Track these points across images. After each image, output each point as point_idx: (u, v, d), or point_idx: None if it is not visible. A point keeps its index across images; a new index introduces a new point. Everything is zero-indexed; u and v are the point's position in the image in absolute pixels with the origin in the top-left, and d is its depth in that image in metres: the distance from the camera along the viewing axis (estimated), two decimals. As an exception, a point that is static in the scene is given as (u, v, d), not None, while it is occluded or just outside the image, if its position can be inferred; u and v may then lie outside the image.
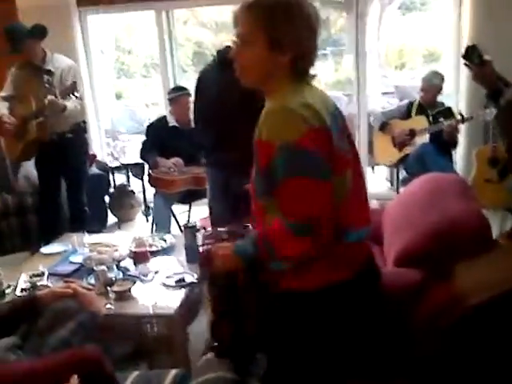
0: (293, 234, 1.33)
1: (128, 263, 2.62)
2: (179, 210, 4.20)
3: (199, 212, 3.95)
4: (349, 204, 1.44)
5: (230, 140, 2.35)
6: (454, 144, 4.08)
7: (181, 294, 2.31)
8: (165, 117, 4.07)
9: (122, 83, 9.26)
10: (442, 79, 4.10)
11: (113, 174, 4.93)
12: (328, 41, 8.57)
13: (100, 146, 5.26)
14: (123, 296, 2.29)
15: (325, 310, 1.46)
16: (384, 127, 4.22)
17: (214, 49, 2.87)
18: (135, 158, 4.77)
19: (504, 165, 3.70)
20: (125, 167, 4.96)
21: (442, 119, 3.99)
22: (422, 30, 8.92)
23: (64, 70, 3.63)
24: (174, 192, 3.85)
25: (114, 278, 2.38)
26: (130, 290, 2.32)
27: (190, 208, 4.18)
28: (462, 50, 2.34)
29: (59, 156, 3.70)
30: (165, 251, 2.77)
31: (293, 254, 1.38)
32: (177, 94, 3.97)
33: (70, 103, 3.53)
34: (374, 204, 3.86)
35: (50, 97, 3.37)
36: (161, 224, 3.83)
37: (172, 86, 4.73)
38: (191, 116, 3.24)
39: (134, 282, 2.36)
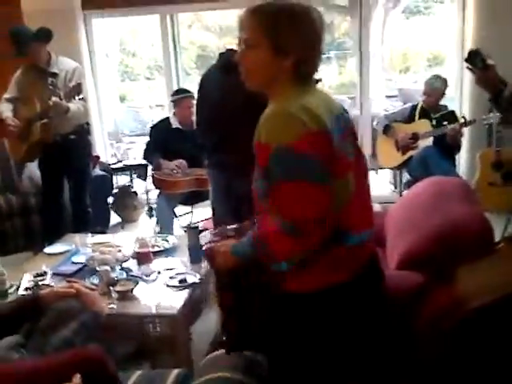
0: (286, 234, 1.34)
1: (131, 263, 2.63)
2: (182, 211, 4.21)
3: (202, 213, 3.96)
4: (351, 207, 1.45)
5: (233, 142, 2.36)
6: (458, 147, 4.08)
7: (183, 294, 2.32)
8: (168, 118, 4.09)
9: (126, 86, 9.30)
10: (445, 83, 4.10)
11: (116, 175, 4.95)
12: (332, 44, 8.60)
13: (104, 148, 5.28)
14: (126, 296, 2.30)
15: (324, 312, 1.46)
16: (387, 130, 4.22)
17: (218, 52, 2.88)
18: (138, 159, 4.79)
19: (508, 168, 3.71)
20: (128, 168, 4.98)
21: (445, 123, 3.98)
22: (425, 33, 8.94)
23: (68, 71, 3.65)
24: (177, 193, 3.86)
25: (116, 278, 2.39)
26: (132, 290, 2.32)
27: (192, 209, 4.19)
28: (466, 54, 2.35)
29: (63, 157, 3.72)
30: (168, 252, 2.78)
31: (286, 254, 1.39)
32: (180, 97, 3.98)
33: (74, 105, 3.55)
34: (376, 207, 3.85)
35: (54, 98, 3.38)
36: (164, 225, 3.84)
37: (176, 88, 4.74)
38: (194, 118, 3.25)
39: (137, 283, 2.37)
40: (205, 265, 2.58)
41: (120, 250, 2.70)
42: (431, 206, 2.25)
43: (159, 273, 2.51)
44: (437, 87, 4.08)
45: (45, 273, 2.55)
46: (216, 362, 1.64)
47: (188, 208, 4.22)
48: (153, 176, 3.91)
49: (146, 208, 4.82)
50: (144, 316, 2.20)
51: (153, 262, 2.63)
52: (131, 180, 5.06)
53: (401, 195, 4.24)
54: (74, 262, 2.70)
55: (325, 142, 1.36)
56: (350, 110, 5.76)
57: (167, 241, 2.88)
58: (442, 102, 4.20)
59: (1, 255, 2.48)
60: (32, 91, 3.60)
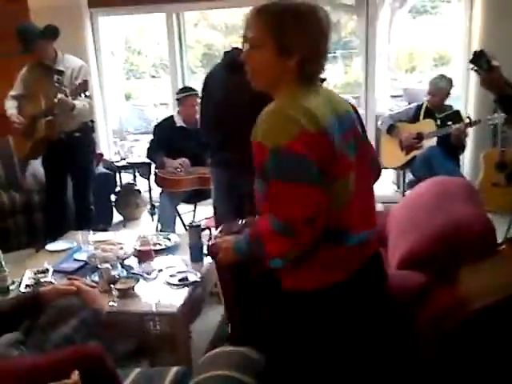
0: (278, 233, 1.35)
1: (132, 261, 2.63)
2: (185, 209, 4.22)
3: (204, 212, 3.96)
4: (351, 207, 1.45)
5: (238, 140, 2.35)
6: (462, 147, 4.06)
7: (184, 292, 2.32)
8: (172, 117, 4.08)
9: (131, 84, 9.31)
10: (450, 83, 4.08)
11: (119, 173, 4.96)
12: (338, 43, 8.58)
13: (107, 146, 5.29)
14: (126, 294, 2.30)
15: (322, 311, 1.46)
16: (391, 130, 4.21)
17: (224, 51, 2.87)
18: (142, 157, 4.80)
19: (512, 169, 3.69)
20: (131, 166, 4.98)
21: (449, 123, 3.97)
22: (432, 33, 8.90)
23: (74, 69, 3.66)
24: (179, 192, 3.86)
25: (117, 276, 2.39)
26: (133, 288, 2.32)
27: (195, 208, 4.19)
28: (472, 54, 2.34)
29: (67, 155, 3.73)
30: (169, 250, 2.77)
31: (278, 253, 1.39)
32: (184, 95, 3.98)
33: (80, 102, 3.56)
34: (379, 206, 3.84)
35: (60, 95, 3.39)
36: (166, 223, 3.84)
37: (181, 86, 4.75)
38: (198, 116, 3.24)
39: (138, 280, 2.37)
40: (206, 263, 2.59)
41: (121, 248, 2.70)
42: (434, 206, 2.24)
43: (160, 271, 2.51)
44: (441, 87, 4.06)
45: (46, 270, 2.55)
46: (215, 360, 1.63)
47: (191, 206, 4.22)
48: (156, 174, 3.92)
49: (149, 206, 4.82)
50: (144, 314, 2.20)
51: (154, 260, 2.63)
52: (134, 178, 5.06)
53: (404, 195, 4.22)
54: (75, 260, 2.70)
55: (322, 143, 1.36)
56: (355, 109, 5.75)
57: (169, 239, 2.88)
58: (448, 102, 4.18)
59: (3, 252, 2.47)
60: (37, 88, 3.62)
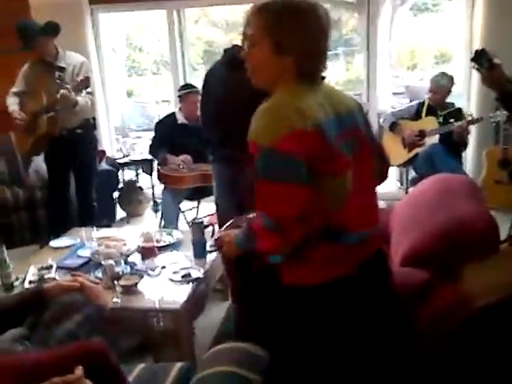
0: (269, 230, 1.36)
1: (135, 258, 2.64)
2: (188, 206, 4.22)
3: (208, 208, 3.97)
4: (350, 205, 1.44)
5: (236, 137, 2.36)
6: (464, 145, 4.05)
7: (187, 288, 2.32)
8: (174, 114, 4.09)
9: (132, 81, 9.30)
10: (451, 80, 4.07)
11: (122, 170, 4.96)
12: (339, 41, 8.56)
13: (110, 143, 5.29)
14: (130, 290, 2.31)
15: (321, 307, 1.47)
16: (394, 128, 4.20)
17: (224, 48, 2.88)
18: (145, 154, 4.80)
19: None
20: (134, 163, 4.99)
21: (452, 120, 3.97)
22: (433, 31, 8.88)
23: (76, 66, 3.66)
24: (182, 188, 3.87)
25: (121, 273, 2.40)
26: (136, 284, 2.33)
27: (198, 204, 4.20)
28: (473, 52, 2.34)
29: (69, 151, 3.73)
30: (172, 246, 2.78)
31: (271, 249, 1.41)
32: (186, 92, 3.98)
33: (82, 98, 3.56)
34: (381, 204, 3.84)
35: (62, 91, 3.39)
36: (169, 220, 3.84)
37: (182, 83, 4.74)
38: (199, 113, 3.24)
39: (141, 277, 2.38)
40: (209, 260, 2.60)
41: (125, 244, 2.71)
42: (436, 204, 2.24)
43: (163, 267, 2.52)
44: (442, 84, 4.05)
45: (50, 266, 2.56)
46: (219, 356, 1.64)
47: (194, 203, 4.23)
48: (158, 171, 3.92)
49: (152, 203, 4.83)
50: (148, 310, 2.21)
51: (157, 256, 2.64)
52: (137, 175, 5.07)
53: (406, 192, 4.22)
54: (79, 256, 2.71)
55: (314, 142, 1.36)
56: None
57: (172, 235, 2.89)
58: (450, 100, 4.17)
59: (7, 248, 2.48)
60: (39, 85, 3.61)
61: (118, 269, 2.40)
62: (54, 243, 2.96)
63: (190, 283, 2.36)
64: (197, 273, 2.43)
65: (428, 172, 3.22)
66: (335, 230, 1.42)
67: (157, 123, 4.23)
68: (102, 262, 2.43)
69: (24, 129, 3.67)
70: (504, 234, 2.67)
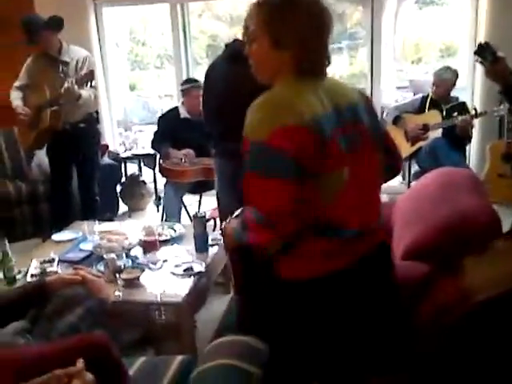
0: (260, 225, 1.37)
1: (137, 251, 2.64)
2: (190, 200, 4.22)
3: (210, 202, 3.97)
4: (345, 201, 1.43)
5: (237, 131, 2.36)
6: (468, 139, 4.04)
7: (189, 282, 2.33)
8: (176, 108, 4.08)
9: (135, 75, 9.30)
10: (455, 74, 4.05)
11: (125, 164, 4.97)
12: (344, 34, 8.52)
13: (112, 137, 5.29)
14: (132, 283, 2.31)
15: (317, 300, 1.47)
16: (397, 121, 4.18)
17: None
18: (147, 148, 4.81)
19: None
20: (137, 157, 4.99)
21: (455, 114, 3.95)
22: (438, 24, 8.83)
23: (79, 60, 3.66)
24: (184, 182, 3.87)
25: (123, 266, 2.40)
26: (138, 277, 2.33)
27: (200, 198, 4.20)
28: (476, 47, 2.32)
29: (71, 145, 3.74)
30: (174, 240, 2.79)
31: (263, 243, 1.41)
32: (188, 86, 3.98)
33: (85, 92, 3.56)
34: (384, 198, 3.83)
35: (67, 84, 3.39)
36: (171, 214, 3.85)
37: (185, 78, 4.73)
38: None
39: (143, 270, 2.38)
40: (210, 254, 2.60)
41: (127, 238, 2.72)
42: (439, 197, 2.23)
43: (165, 261, 2.52)
44: (446, 78, 4.03)
45: (52, 259, 2.57)
46: (220, 349, 1.64)
47: (196, 197, 4.23)
48: (160, 165, 3.92)
49: (154, 197, 4.84)
50: (149, 303, 2.22)
51: (159, 250, 2.65)
52: (140, 169, 5.07)
53: (409, 186, 4.21)
54: (81, 250, 2.72)
55: (307, 138, 1.34)
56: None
57: (174, 229, 2.89)
58: (454, 93, 4.15)
59: (9, 242, 2.49)
60: (42, 79, 3.62)
61: (119, 262, 2.40)
62: (56, 237, 2.96)
63: (192, 277, 2.37)
64: (198, 266, 2.44)
65: (431, 166, 3.21)
66: (329, 225, 1.42)
67: (159, 117, 4.24)
68: (104, 256, 2.43)
69: (27, 123, 3.67)
70: (507, 228, 2.65)
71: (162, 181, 4.26)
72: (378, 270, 1.56)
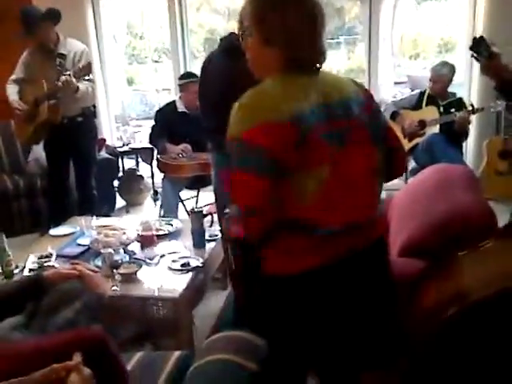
0: (236, 217, 1.40)
1: (135, 247, 2.65)
2: (188, 195, 4.22)
3: (207, 198, 3.97)
4: (324, 200, 1.40)
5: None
6: (465, 135, 4.03)
7: (186, 277, 2.33)
8: (174, 102, 4.07)
9: (133, 69, 9.27)
10: (452, 70, 4.03)
11: (122, 158, 4.96)
12: (342, 29, 8.50)
13: (110, 131, 5.28)
14: (129, 278, 2.32)
15: (301, 296, 1.47)
16: (394, 117, 4.17)
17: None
18: (145, 142, 4.80)
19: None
20: (134, 152, 4.98)
21: (452, 110, 3.94)
22: (436, 19, 8.81)
23: (77, 53, 3.65)
24: (182, 177, 3.87)
25: (120, 261, 2.40)
26: (136, 272, 2.34)
27: (198, 194, 4.20)
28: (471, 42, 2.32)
29: (68, 140, 3.73)
30: (171, 235, 2.79)
31: (236, 236, 1.44)
32: (186, 81, 3.96)
33: (83, 85, 3.55)
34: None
35: (64, 77, 3.38)
36: (168, 209, 3.85)
37: (183, 71, 4.72)
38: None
39: (141, 266, 2.39)
40: (208, 249, 2.61)
41: (124, 233, 2.72)
42: (435, 193, 2.24)
43: (162, 256, 2.53)
44: (443, 74, 4.02)
45: (50, 254, 2.58)
46: (217, 344, 1.65)
47: (193, 192, 4.23)
48: (158, 160, 3.92)
49: (152, 192, 4.83)
50: (147, 298, 2.22)
51: (156, 245, 2.65)
52: (137, 163, 5.07)
53: (406, 182, 4.22)
54: (78, 244, 2.72)
55: (287, 134, 1.34)
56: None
57: (171, 224, 2.90)
58: (451, 89, 4.14)
59: (7, 236, 2.49)
60: (39, 72, 3.61)
61: (117, 257, 2.41)
62: (53, 231, 2.97)
63: (189, 272, 2.37)
64: (196, 262, 2.44)
65: (428, 162, 3.22)
66: (306, 224, 1.41)
67: (157, 111, 4.23)
68: (102, 251, 2.43)
69: (24, 117, 3.66)
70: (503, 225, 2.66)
71: (159, 176, 4.26)
72: (371, 265, 1.55)
